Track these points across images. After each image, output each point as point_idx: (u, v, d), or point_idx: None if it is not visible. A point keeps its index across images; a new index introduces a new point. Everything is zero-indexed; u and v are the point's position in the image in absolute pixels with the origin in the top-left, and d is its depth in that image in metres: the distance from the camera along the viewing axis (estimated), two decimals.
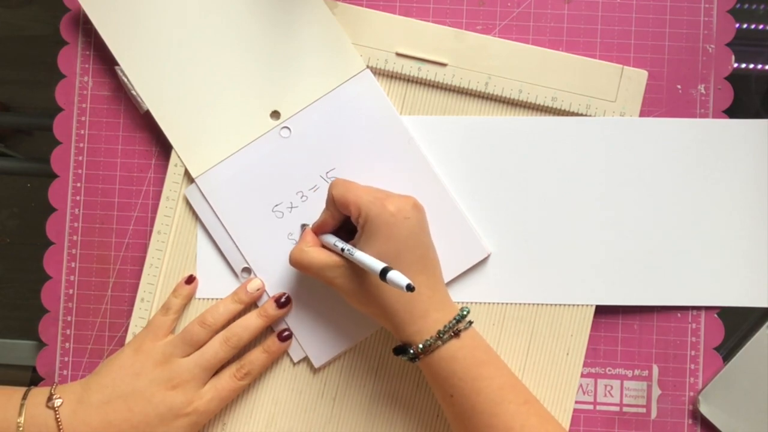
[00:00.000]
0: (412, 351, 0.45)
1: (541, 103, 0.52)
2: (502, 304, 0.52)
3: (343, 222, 0.49)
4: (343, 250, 0.46)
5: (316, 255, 0.47)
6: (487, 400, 0.44)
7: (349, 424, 0.52)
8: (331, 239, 0.48)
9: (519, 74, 0.52)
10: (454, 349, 0.45)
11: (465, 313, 0.46)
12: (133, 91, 0.53)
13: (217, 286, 0.53)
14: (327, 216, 0.49)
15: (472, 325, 0.46)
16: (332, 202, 0.47)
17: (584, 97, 0.52)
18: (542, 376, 0.52)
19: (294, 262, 0.49)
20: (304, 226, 0.52)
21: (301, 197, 0.52)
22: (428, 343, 0.45)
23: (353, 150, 0.52)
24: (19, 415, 0.47)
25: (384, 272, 0.41)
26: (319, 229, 0.50)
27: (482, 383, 0.44)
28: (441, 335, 0.45)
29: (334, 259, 0.47)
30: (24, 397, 0.48)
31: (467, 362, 0.45)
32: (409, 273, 0.44)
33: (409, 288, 0.40)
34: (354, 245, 0.46)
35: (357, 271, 0.46)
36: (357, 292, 0.46)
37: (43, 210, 0.54)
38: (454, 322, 0.45)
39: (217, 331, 0.50)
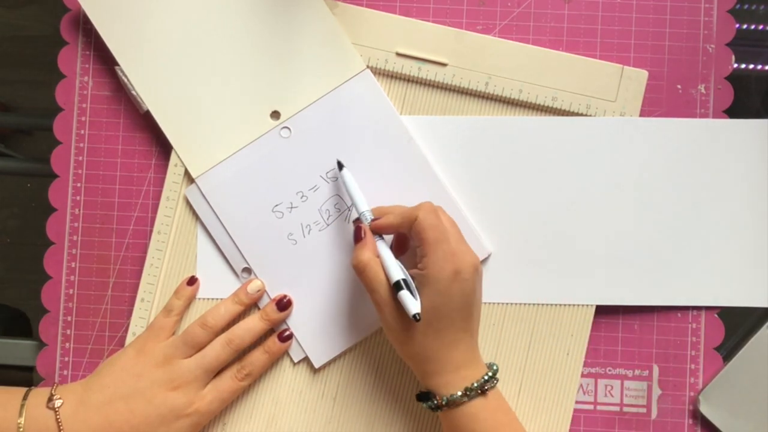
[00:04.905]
0: (435, 401, 0.45)
1: (541, 103, 0.52)
2: (502, 304, 0.52)
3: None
4: (395, 285, 0.45)
5: (382, 274, 0.46)
6: None
7: (349, 424, 0.52)
8: (392, 267, 0.46)
9: (519, 74, 0.52)
10: (478, 409, 0.45)
11: (494, 370, 0.46)
12: (133, 91, 0.53)
13: (217, 287, 0.53)
14: (394, 224, 0.47)
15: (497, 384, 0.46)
16: (410, 221, 0.46)
17: (584, 97, 0.52)
18: (542, 376, 0.52)
19: (358, 266, 0.46)
20: (359, 219, 0.49)
21: (301, 197, 0.52)
22: (453, 397, 0.44)
23: (353, 150, 0.52)
24: (20, 415, 0.47)
25: (398, 287, 0.44)
26: (379, 230, 0.48)
27: None
28: (468, 392, 0.44)
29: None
30: (24, 398, 0.48)
31: (488, 423, 0.45)
32: (452, 329, 0.45)
33: (415, 318, 0.43)
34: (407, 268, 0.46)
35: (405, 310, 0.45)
36: (399, 330, 0.46)
37: (43, 210, 0.54)
38: (482, 381, 0.45)
39: (217, 333, 0.50)
